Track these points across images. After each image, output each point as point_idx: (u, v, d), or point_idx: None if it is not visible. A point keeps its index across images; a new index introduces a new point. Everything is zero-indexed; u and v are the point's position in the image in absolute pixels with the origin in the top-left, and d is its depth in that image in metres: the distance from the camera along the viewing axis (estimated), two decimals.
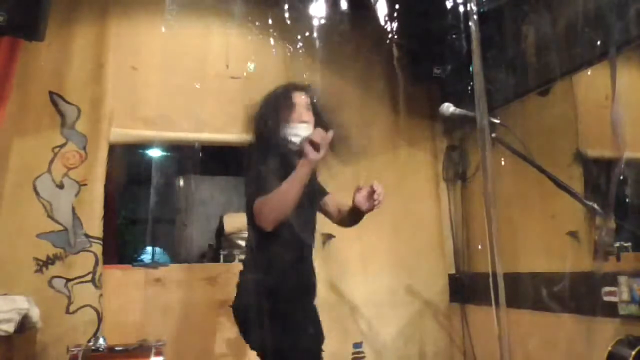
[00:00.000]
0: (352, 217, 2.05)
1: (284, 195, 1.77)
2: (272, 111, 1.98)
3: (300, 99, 2.01)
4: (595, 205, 1.68)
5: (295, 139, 1.93)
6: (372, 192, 1.88)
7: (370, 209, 1.92)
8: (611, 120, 2.00)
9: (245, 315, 1.92)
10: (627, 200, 2.18)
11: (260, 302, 1.87)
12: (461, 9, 2.42)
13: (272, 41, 3.26)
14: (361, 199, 1.90)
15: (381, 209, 3.26)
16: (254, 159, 1.97)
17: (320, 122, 2.00)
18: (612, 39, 2.12)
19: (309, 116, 2.00)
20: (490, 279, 1.28)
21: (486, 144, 1.40)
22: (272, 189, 1.79)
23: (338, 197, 2.16)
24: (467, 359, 3.32)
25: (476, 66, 1.37)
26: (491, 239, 1.32)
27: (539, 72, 2.70)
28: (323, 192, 2.17)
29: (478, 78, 1.37)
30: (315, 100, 2.05)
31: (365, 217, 2.00)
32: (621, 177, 2.06)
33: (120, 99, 2.94)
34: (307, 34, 2.99)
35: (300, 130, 1.94)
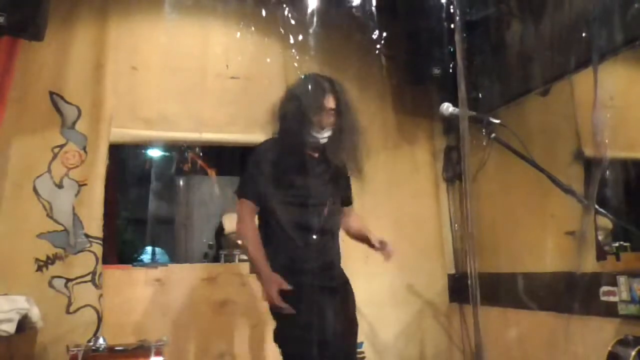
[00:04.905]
0: (359, 240, 2.24)
1: (247, 244, 2.00)
2: (299, 112, 1.99)
3: (330, 102, 2.02)
4: (580, 196, 1.71)
5: (315, 142, 2.02)
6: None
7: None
8: (592, 124, 2.10)
9: None
10: (630, 200, 2.18)
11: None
12: (452, 10, 2.44)
13: (271, 41, 3.26)
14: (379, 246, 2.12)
15: (381, 210, 3.26)
16: (266, 155, 2.04)
17: (342, 123, 2.04)
18: (596, 46, 2.18)
19: (331, 120, 2.04)
20: (470, 279, 1.30)
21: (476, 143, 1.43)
22: (258, 197, 2.01)
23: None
24: (466, 359, 3.32)
25: (459, 64, 1.39)
26: (470, 236, 1.35)
27: (539, 73, 2.70)
28: (345, 202, 2.26)
29: (461, 76, 1.39)
30: (340, 102, 2.06)
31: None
32: (606, 176, 2.14)
33: (120, 99, 2.94)
34: (306, 34, 2.99)
35: (323, 134, 2.02)
